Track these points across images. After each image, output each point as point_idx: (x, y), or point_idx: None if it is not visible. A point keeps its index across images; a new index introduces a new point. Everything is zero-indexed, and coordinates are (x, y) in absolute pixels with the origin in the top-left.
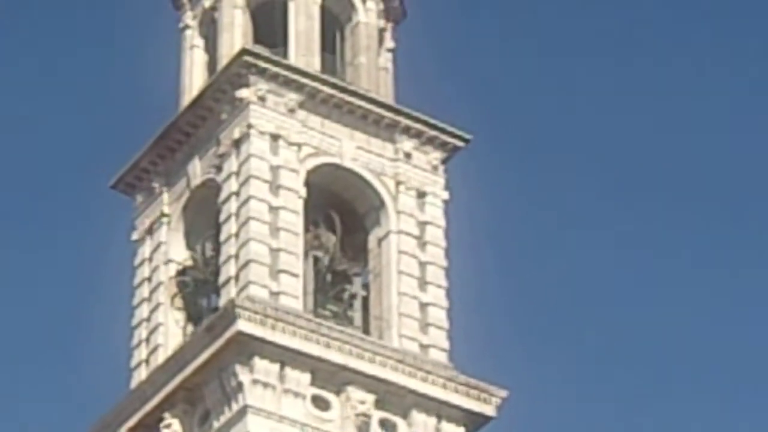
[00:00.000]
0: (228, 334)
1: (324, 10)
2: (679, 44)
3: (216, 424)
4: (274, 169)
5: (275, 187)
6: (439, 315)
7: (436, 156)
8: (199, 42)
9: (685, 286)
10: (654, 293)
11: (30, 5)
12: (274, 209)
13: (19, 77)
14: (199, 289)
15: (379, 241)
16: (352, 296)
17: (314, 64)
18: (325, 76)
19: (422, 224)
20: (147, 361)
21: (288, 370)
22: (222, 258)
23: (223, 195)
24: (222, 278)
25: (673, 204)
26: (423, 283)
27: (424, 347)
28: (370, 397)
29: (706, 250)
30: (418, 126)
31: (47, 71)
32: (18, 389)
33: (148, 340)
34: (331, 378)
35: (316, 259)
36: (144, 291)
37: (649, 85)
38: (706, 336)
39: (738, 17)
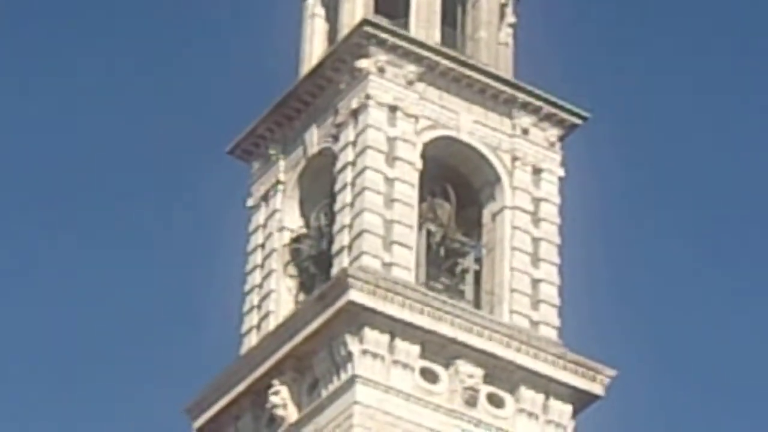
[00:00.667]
0: (339, 304)
1: None
2: None
3: (324, 393)
4: (391, 141)
5: (391, 159)
6: (550, 292)
7: (553, 133)
8: (320, 11)
9: None
10: (762, 279)
11: None
12: (389, 180)
13: (142, 42)
14: (312, 257)
15: (493, 216)
16: (465, 270)
17: (434, 37)
18: (444, 49)
19: (537, 200)
20: (258, 327)
21: (398, 342)
22: (336, 227)
23: (339, 164)
24: (335, 247)
25: None
26: (535, 260)
27: (534, 323)
28: (479, 372)
29: None
30: (536, 102)
31: (170, 37)
32: (132, 351)
33: (259, 306)
34: (440, 351)
35: (430, 232)
36: (257, 257)
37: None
38: None
39: None
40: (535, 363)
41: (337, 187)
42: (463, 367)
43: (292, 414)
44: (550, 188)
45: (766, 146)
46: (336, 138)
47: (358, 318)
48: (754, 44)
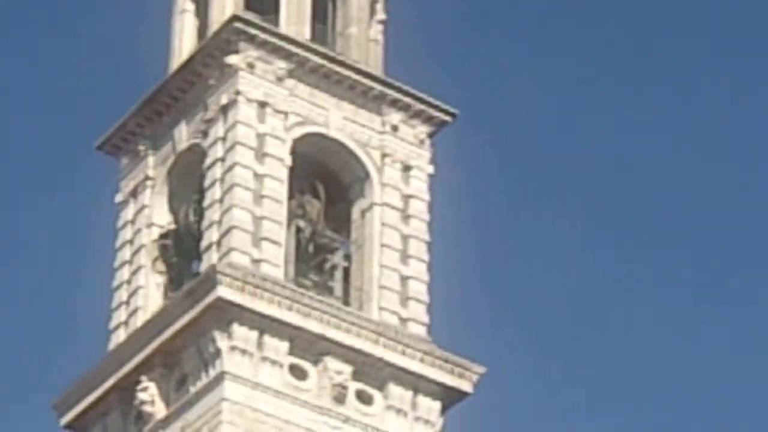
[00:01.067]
0: (208, 300)
1: None
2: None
3: (192, 389)
4: (261, 137)
5: (261, 155)
6: (419, 289)
7: (422, 130)
8: (190, 6)
9: (669, 269)
10: (634, 273)
11: None
12: (259, 176)
13: (8, 34)
14: (180, 253)
15: (363, 212)
16: (334, 267)
17: (304, 33)
18: (314, 46)
19: (406, 197)
20: (126, 323)
21: (266, 338)
22: (205, 223)
23: (208, 160)
24: (204, 243)
25: (656, 191)
26: (405, 257)
27: (403, 320)
28: (348, 368)
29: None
30: (406, 99)
31: (38, 30)
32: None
33: (128, 302)
34: (309, 347)
35: (299, 229)
36: (126, 253)
37: (633, 67)
38: (694, 326)
39: None
40: (404, 360)
41: (207, 183)
42: (332, 363)
43: (160, 410)
44: (419, 185)
45: (640, 134)
46: (205, 134)
47: (227, 314)
48: (629, 27)
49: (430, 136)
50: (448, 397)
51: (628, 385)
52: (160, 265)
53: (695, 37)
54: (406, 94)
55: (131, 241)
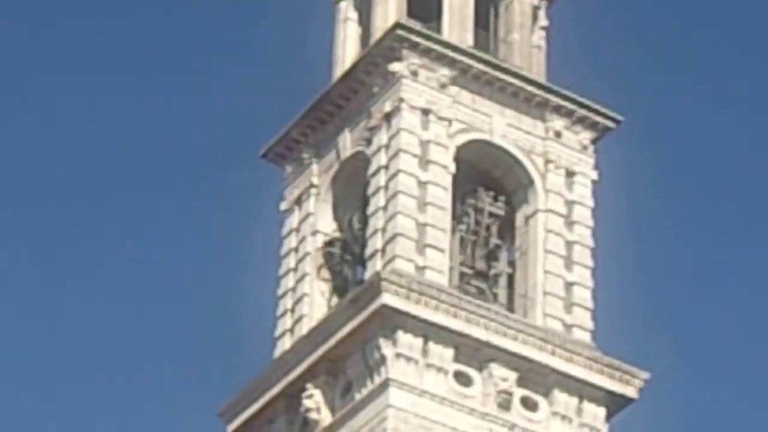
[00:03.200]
0: (373, 307)
1: None
2: None
3: (358, 396)
4: (424, 144)
5: (425, 162)
6: (584, 295)
7: (586, 136)
8: (353, 15)
9: None
10: None
11: None
12: (422, 184)
13: (178, 44)
14: (345, 261)
15: (527, 219)
16: (498, 273)
17: (467, 40)
18: (477, 52)
19: (570, 203)
20: (291, 330)
21: (431, 345)
22: (369, 231)
23: (372, 168)
24: (368, 251)
25: None
26: (569, 263)
27: (567, 326)
28: (513, 375)
29: None
30: (569, 105)
31: (205, 41)
32: (168, 355)
33: (293, 310)
34: (474, 354)
35: (463, 236)
36: (291, 261)
37: None
38: None
39: None
40: (569, 366)
41: (370, 190)
42: (497, 370)
43: (325, 417)
44: (583, 191)
45: None
46: (369, 141)
47: (392, 321)
48: None
49: (594, 142)
50: (613, 403)
51: None
52: (325, 273)
53: None
54: (570, 100)
55: (296, 249)
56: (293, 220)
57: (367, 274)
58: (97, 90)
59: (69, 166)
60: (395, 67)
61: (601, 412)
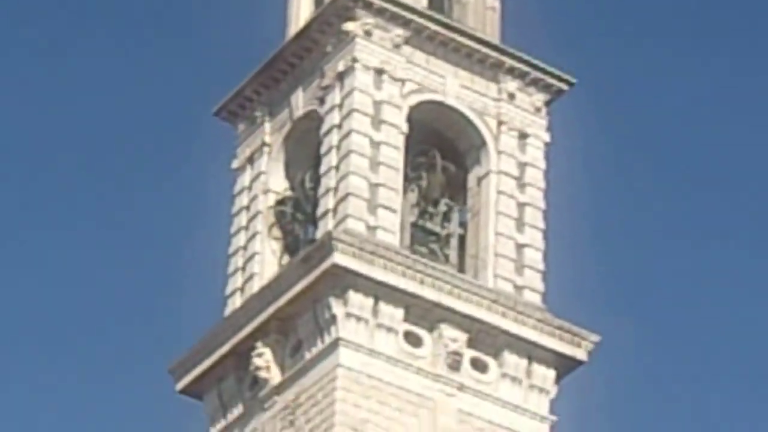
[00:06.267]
0: (324, 266)
1: None
2: None
3: (308, 355)
4: (377, 104)
5: (377, 122)
6: (535, 257)
7: (539, 98)
8: None
9: None
10: (751, 241)
11: None
12: (375, 144)
13: (125, 4)
14: (296, 220)
15: (479, 180)
16: (449, 234)
17: (422, 1)
18: (431, 13)
19: (522, 165)
20: (242, 289)
21: (382, 305)
22: (321, 190)
23: (324, 127)
24: (320, 210)
25: None
26: (520, 224)
27: (518, 288)
28: (463, 336)
29: None
30: (523, 67)
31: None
32: (117, 313)
33: (244, 268)
34: (424, 315)
35: (414, 196)
36: (242, 220)
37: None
38: None
39: None
40: (519, 328)
41: (323, 149)
42: (447, 331)
43: (275, 376)
44: (535, 153)
45: (757, 114)
46: (322, 101)
47: (343, 281)
48: (748, 12)
49: (547, 104)
50: (563, 365)
51: (736, 356)
52: (276, 232)
53: None
54: (523, 62)
55: (247, 208)
56: (245, 179)
57: (319, 234)
58: (51, 43)
59: (21, 122)
60: (349, 26)
61: (551, 374)
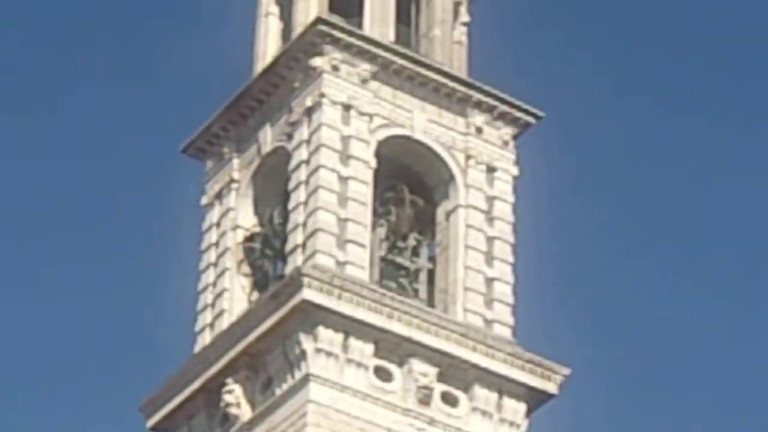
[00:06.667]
0: (293, 302)
1: None
2: None
3: (278, 392)
4: (345, 139)
5: (345, 157)
6: (504, 290)
7: (507, 131)
8: (274, 9)
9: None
10: (717, 271)
11: None
12: (343, 179)
13: (94, 38)
14: (266, 255)
15: (448, 214)
16: (418, 269)
17: (388, 35)
18: (398, 48)
19: (491, 199)
20: (212, 325)
21: (352, 340)
22: (290, 226)
23: (293, 163)
24: (289, 246)
25: (741, 196)
26: (489, 258)
27: (488, 322)
28: (433, 370)
29: None
30: (490, 101)
31: (123, 34)
32: (87, 350)
33: (213, 305)
34: (394, 349)
35: (383, 231)
36: (211, 256)
37: (725, 70)
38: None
39: None
40: (489, 362)
41: (291, 185)
42: (417, 365)
43: (245, 412)
44: (503, 187)
45: (726, 142)
46: (290, 136)
47: (312, 317)
48: (715, 39)
49: (515, 137)
50: (534, 398)
51: (707, 388)
52: (246, 268)
53: None
54: (491, 95)
55: (216, 244)
56: (213, 215)
57: (288, 269)
58: (12, 83)
59: None
60: (316, 62)
61: (522, 407)
